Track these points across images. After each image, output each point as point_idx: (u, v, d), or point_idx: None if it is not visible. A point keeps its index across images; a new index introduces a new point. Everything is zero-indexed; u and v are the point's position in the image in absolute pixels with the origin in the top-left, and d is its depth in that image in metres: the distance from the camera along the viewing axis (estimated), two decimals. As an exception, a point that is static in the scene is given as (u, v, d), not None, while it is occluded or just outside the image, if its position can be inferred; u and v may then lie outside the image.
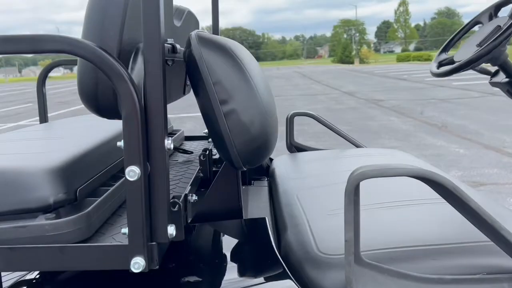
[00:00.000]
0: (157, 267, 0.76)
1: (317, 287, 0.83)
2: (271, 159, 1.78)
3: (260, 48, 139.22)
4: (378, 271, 0.79)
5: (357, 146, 1.84)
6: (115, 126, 1.18)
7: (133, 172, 0.72)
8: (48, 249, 0.77)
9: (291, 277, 0.85)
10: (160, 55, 0.72)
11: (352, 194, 0.76)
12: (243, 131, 0.86)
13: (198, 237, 1.05)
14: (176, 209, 0.82)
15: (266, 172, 1.67)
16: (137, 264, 0.74)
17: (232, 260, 0.95)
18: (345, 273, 0.77)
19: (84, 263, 0.77)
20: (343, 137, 1.84)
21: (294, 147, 1.83)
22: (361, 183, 0.77)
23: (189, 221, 1.04)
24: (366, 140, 6.43)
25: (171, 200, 0.83)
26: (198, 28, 1.62)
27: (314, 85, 18.92)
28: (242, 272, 0.91)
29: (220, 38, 0.91)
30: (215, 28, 1.83)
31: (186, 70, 0.88)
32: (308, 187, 1.27)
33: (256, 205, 1.39)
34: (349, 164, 1.47)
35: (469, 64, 1.35)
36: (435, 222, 0.97)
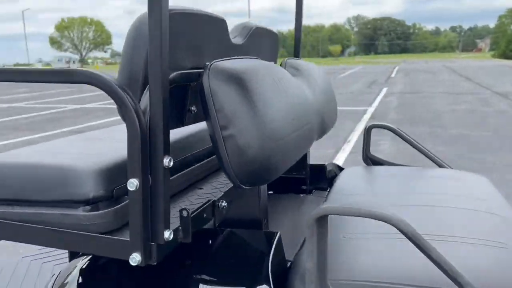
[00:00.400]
0: (155, 263, 0.86)
1: None
2: (341, 169, 1.73)
3: (410, 39, 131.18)
4: None
5: (440, 166, 1.67)
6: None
7: (132, 184, 0.82)
8: (75, 234, 0.92)
9: None
10: (160, 86, 0.79)
11: (314, 226, 0.75)
12: (240, 154, 0.90)
13: (215, 242, 1.11)
14: (185, 215, 0.90)
15: (330, 183, 1.64)
16: (134, 258, 0.86)
17: (228, 268, 0.99)
18: None
19: (98, 250, 0.92)
20: (424, 155, 1.68)
21: (370, 160, 1.75)
22: None
23: (216, 224, 1.11)
24: (504, 151, 5.68)
25: (182, 208, 0.91)
26: (275, 40, 1.64)
27: (463, 82, 17.23)
28: (230, 282, 0.95)
29: (234, 69, 0.95)
30: (297, 27, 1.81)
31: (199, 96, 0.94)
32: None
33: (297, 217, 1.38)
34: (415, 186, 1.37)
35: None
36: (420, 259, 0.90)
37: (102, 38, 72.48)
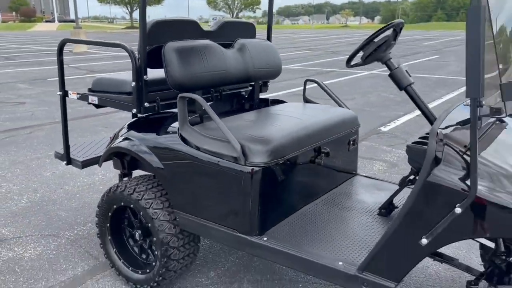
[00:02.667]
0: (143, 114, 2.22)
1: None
2: (281, 102, 2.85)
3: None
4: (195, 131, 1.98)
5: (340, 106, 2.69)
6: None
7: (133, 84, 2.13)
8: (123, 103, 2.31)
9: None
10: (143, 50, 2.06)
11: (180, 102, 2.09)
12: (171, 77, 2.07)
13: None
14: (158, 101, 2.25)
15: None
16: (134, 111, 2.19)
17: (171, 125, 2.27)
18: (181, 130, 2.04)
19: (126, 108, 2.27)
20: (334, 101, 2.71)
21: (306, 101, 2.83)
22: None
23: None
24: None
25: (156, 99, 2.27)
26: (249, 27, 2.80)
27: None
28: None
29: (177, 45, 2.11)
30: (269, 17, 2.94)
31: None
32: (254, 114, 2.41)
33: (239, 112, 2.52)
34: (303, 111, 2.40)
35: (349, 60, 2.12)
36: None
37: (252, -1, 76.06)
